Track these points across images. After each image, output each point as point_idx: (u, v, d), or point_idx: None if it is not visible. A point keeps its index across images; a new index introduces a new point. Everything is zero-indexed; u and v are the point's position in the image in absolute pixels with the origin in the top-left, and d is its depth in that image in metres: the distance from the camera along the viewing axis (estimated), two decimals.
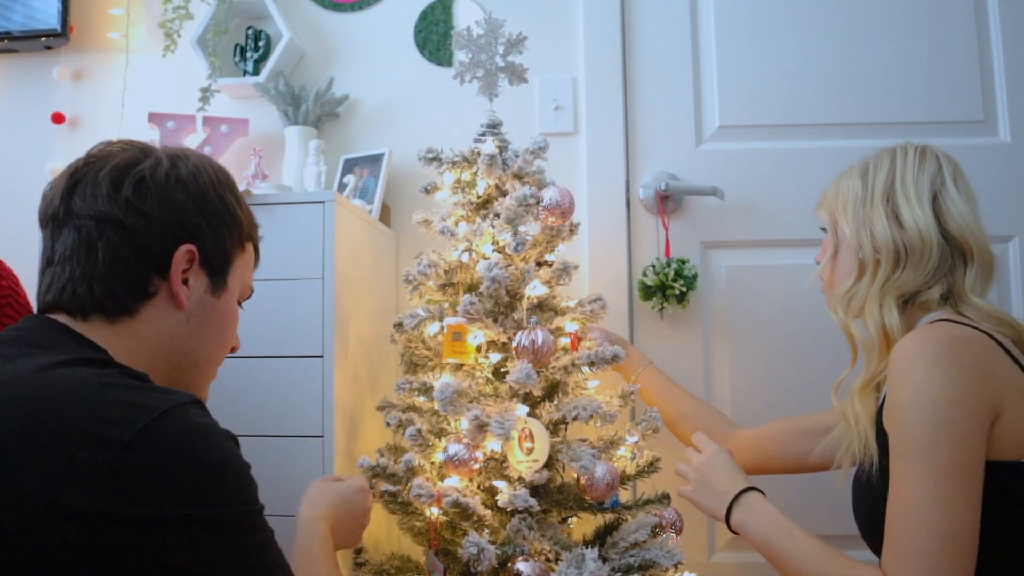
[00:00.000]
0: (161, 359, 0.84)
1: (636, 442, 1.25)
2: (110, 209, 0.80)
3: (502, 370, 1.22)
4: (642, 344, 1.68)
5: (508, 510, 1.12)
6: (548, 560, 1.12)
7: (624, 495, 1.25)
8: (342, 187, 1.67)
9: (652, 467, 1.25)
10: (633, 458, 1.25)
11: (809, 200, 1.65)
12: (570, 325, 1.27)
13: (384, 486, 1.20)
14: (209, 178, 0.87)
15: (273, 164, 1.75)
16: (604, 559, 1.11)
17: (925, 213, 1.05)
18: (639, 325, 1.71)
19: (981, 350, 0.95)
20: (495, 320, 1.22)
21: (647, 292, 1.64)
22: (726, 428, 1.39)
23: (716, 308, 1.71)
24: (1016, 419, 0.92)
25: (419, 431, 1.20)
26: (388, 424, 1.29)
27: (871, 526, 1.04)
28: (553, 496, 1.19)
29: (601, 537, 1.22)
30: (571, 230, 1.33)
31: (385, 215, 1.72)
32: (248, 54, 1.80)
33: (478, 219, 1.29)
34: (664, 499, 1.25)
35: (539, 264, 1.27)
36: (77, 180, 0.82)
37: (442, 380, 1.17)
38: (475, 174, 1.31)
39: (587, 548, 1.08)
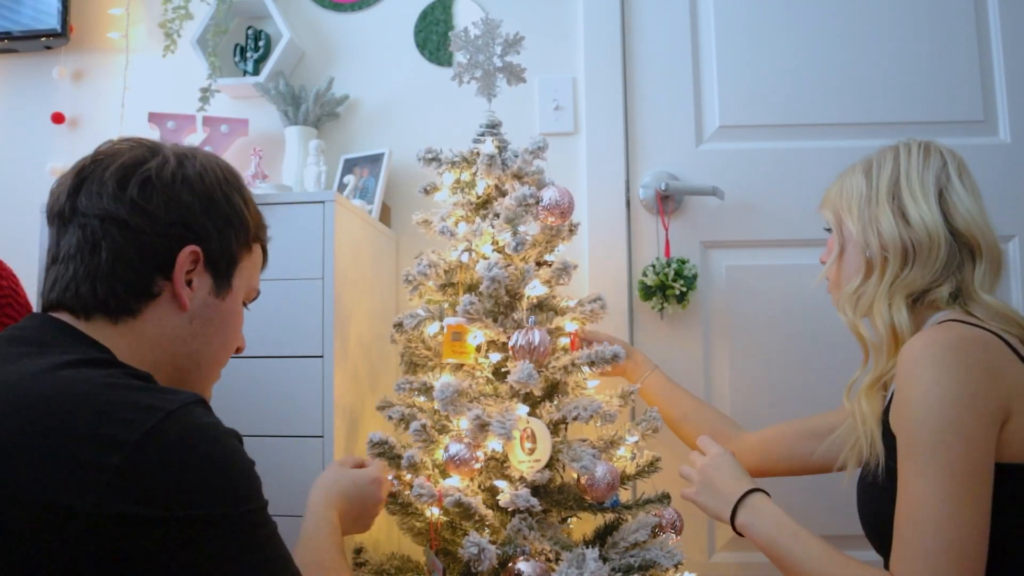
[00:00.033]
0: (164, 360, 0.84)
1: (636, 442, 1.25)
2: (115, 208, 0.80)
3: (502, 370, 1.22)
4: (642, 344, 1.68)
5: (509, 510, 1.12)
6: (548, 560, 1.12)
7: (624, 495, 1.26)
8: (342, 187, 1.67)
9: (652, 467, 1.25)
10: (633, 458, 1.25)
11: (809, 200, 1.66)
12: (570, 325, 1.27)
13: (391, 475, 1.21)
14: (216, 178, 0.86)
15: (273, 164, 1.75)
16: (604, 559, 1.11)
17: (932, 210, 1.04)
18: (639, 325, 1.71)
19: (990, 351, 0.94)
20: (495, 320, 1.22)
21: (647, 292, 1.64)
22: (730, 431, 1.38)
23: (716, 308, 1.71)
24: None
25: (423, 426, 1.20)
26: (390, 418, 1.29)
27: (875, 526, 1.04)
28: (553, 496, 1.19)
29: (601, 537, 1.22)
30: (571, 230, 1.33)
31: (385, 215, 1.72)
32: (248, 54, 1.80)
33: (478, 219, 1.29)
34: (664, 499, 1.25)
35: (539, 264, 1.27)
36: (83, 178, 0.82)
37: (442, 380, 1.17)
38: (474, 174, 1.31)
39: (587, 548, 1.08)
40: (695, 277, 1.64)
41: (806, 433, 1.28)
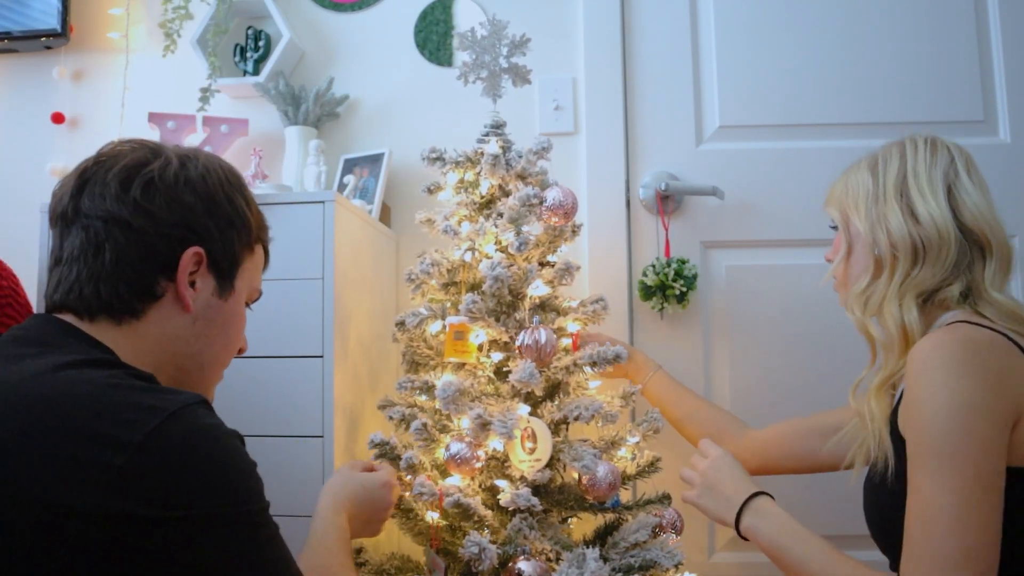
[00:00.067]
0: (167, 361, 0.84)
1: (637, 443, 1.25)
2: (118, 209, 0.80)
3: (504, 369, 1.22)
4: (642, 344, 1.68)
5: (510, 509, 1.12)
6: (549, 560, 1.12)
7: (625, 495, 1.26)
8: (342, 187, 1.67)
9: (653, 467, 1.25)
10: (634, 458, 1.25)
11: (809, 200, 1.66)
12: (572, 325, 1.27)
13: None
14: (219, 179, 0.87)
15: (273, 164, 1.75)
16: (605, 559, 1.11)
17: (941, 207, 1.02)
18: (639, 325, 1.71)
19: (1000, 353, 0.92)
20: (497, 319, 1.22)
21: (647, 292, 1.64)
22: (735, 429, 1.37)
23: (716, 308, 1.71)
24: None
25: (424, 425, 1.20)
26: (391, 418, 1.29)
27: (881, 526, 1.03)
28: (554, 496, 1.19)
29: (601, 537, 1.22)
30: (574, 231, 1.34)
31: (385, 215, 1.72)
32: (248, 54, 1.80)
33: (481, 219, 1.29)
34: (664, 499, 1.25)
35: (542, 264, 1.28)
36: (87, 179, 0.82)
37: (444, 379, 1.17)
38: (478, 174, 1.31)
39: (588, 548, 1.08)
40: (695, 277, 1.64)
41: (813, 431, 1.27)
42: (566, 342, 1.25)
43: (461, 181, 1.33)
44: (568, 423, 1.20)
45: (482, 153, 1.31)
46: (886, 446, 1.00)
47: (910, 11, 1.73)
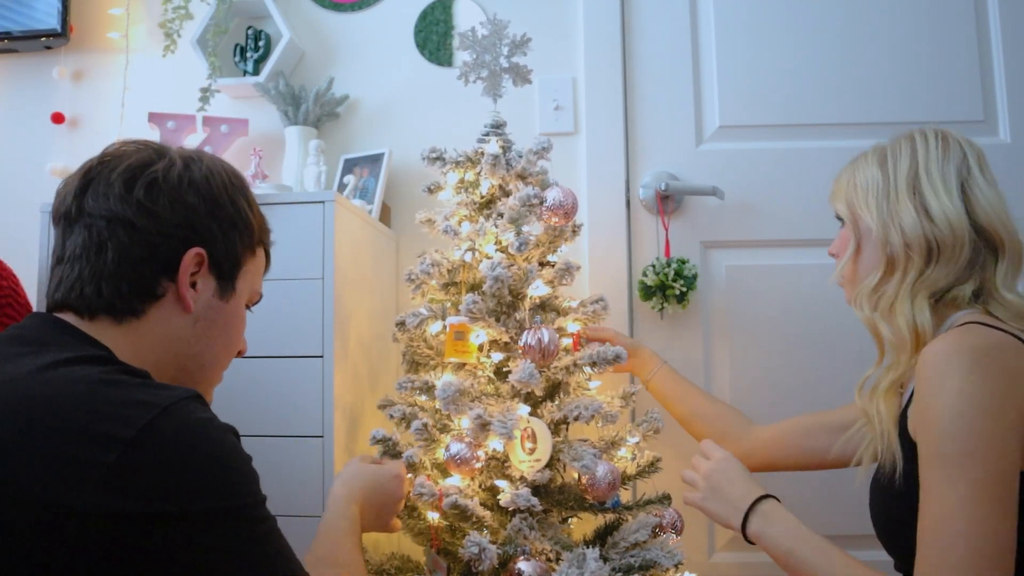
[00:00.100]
0: (166, 361, 0.84)
1: (637, 443, 1.25)
2: (121, 209, 0.80)
3: (504, 370, 1.22)
4: None
5: (510, 509, 1.12)
6: (549, 560, 1.11)
7: (625, 495, 1.25)
8: (342, 187, 1.67)
9: (652, 467, 1.25)
10: (634, 458, 1.25)
11: (809, 200, 1.66)
12: (572, 326, 1.27)
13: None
14: (222, 181, 0.87)
15: (273, 164, 1.75)
16: (605, 559, 1.11)
17: (955, 204, 0.99)
18: (639, 325, 1.71)
19: (1012, 356, 0.90)
20: (497, 320, 1.22)
21: (647, 292, 1.64)
22: (741, 426, 1.36)
23: (716, 308, 1.71)
24: None
25: (424, 425, 1.20)
26: (392, 417, 1.28)
27: (887, 527, 1.02)
28: (554, 496, 1.19)
29: (601, 537, 1.22)
30: (574, 231, 1.34)
31: (385, 215, 1.72)
32: (248, 54, 1.80)
33: (481, 219, 1.29)
34: (664, 499, 1.25)
35: (542, 264, 1.28)
36: (90, 179, 0.82)
37: (444, 379, 1.17)
38: (479, 174, 1.31)
39: (588, 548, 1.08)
40: (695, 277, 1.64)
41: (820, 427, 1.25)
42: (566, 342, 1.25)
43: (461, 181, 1.33)
44: (568, 423, 1.20)
45: (482, 153, 1.31)
46: (894, 447, 0.99)
47: (910, 11, 1.73)
